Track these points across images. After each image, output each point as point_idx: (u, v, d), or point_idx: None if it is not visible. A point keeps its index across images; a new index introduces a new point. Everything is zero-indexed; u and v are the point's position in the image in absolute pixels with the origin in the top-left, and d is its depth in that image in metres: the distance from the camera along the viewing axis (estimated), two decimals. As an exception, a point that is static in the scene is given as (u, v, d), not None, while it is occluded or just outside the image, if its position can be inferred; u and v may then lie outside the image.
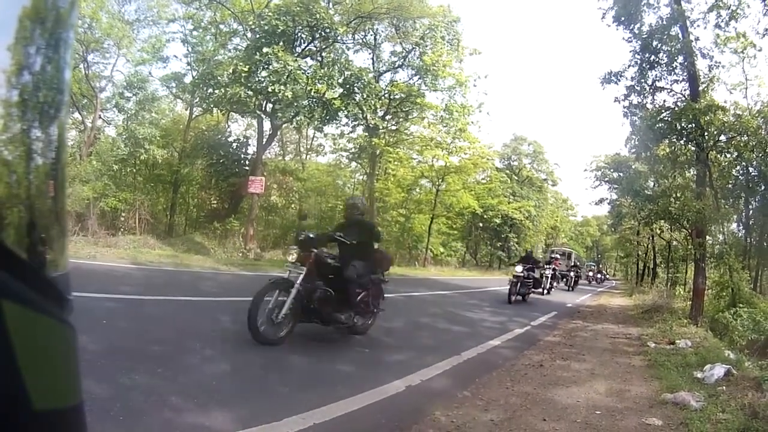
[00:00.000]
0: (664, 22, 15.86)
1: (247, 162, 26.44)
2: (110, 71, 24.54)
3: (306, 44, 22.70)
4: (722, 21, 15.50)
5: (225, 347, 5.85)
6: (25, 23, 0.65)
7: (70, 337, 0.73)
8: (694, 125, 15.24)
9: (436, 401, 5.11)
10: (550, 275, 21.66)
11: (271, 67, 19.62)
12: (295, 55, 21.22)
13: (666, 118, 16.04)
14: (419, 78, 27.84)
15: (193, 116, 28.13)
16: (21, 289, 0.59)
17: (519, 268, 16.59)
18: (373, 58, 28.92)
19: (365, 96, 23.12)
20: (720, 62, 16.76)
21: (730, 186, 19.82)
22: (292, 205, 32.04)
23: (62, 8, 0.74)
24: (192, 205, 29.19)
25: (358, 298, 7.28)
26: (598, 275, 49.22)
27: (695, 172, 17.22)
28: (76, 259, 11.48)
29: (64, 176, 0.81)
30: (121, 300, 7.74)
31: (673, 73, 16.53)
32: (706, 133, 15.34)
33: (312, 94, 20.69)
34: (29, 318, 0.61)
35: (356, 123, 27.52)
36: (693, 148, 16.12)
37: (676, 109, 15.94)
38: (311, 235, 7.07)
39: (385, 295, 8.12)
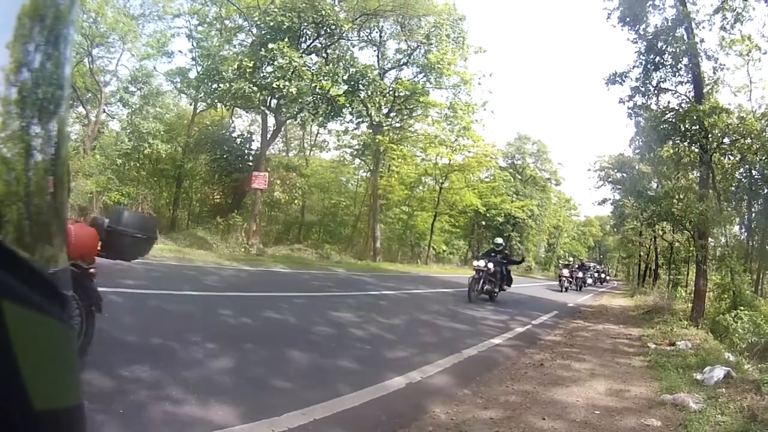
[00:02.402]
0: (670, 24, 15.80)
1: (250, 158, 26.47)
2: (115, 66, 24.68)
3: (311, 41, 22.73)
4: (727, 23, 15.44)
5: (227, 342, 5.86)
6: (24, 21, 0.65)
7: (71, 337, 0.73)
8: (698, 127, 15.20)
9: (436, 398, 5.12)
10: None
11: (276, 63, 19.66)
12: (300, 51, 21.26)
13: (670, 120, 16.00)
14: (424, 76, 27.90)
15: (198, 111, 28.21)
16: (21, 289, 0.59)
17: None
18: (378, 56, 29.00)
19: (370, 93, 23.17)
20: (725, 64, 16.69)
21: (732, 188, 19.76)
22: (295, 201, 32.09)
23: (62, 5, 0.74)
24: (195, 200, 29.29)
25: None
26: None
27: (698, 174, 17.17)
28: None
29: (63, 172, 0.81)
30: (123, 294, 7.76)
31: (677, 74, 16.46)
32: (709, 135, 15.30)
33: (316, 90, 20.74)
34: (29, 318, 0.61)
35: (360, 120, 27.58)
36: (696, 150, 16.07)
37: (681, 110, 15.89)
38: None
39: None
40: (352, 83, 22.61)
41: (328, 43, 23.16)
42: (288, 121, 25.29)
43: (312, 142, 37.90)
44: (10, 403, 0.57)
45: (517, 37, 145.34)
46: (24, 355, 0.58)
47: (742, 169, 19.03)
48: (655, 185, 25.69)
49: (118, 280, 9.05)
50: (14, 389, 0.57)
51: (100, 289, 7.36)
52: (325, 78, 20.88)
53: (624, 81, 17.18)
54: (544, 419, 4.82)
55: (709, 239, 16.07)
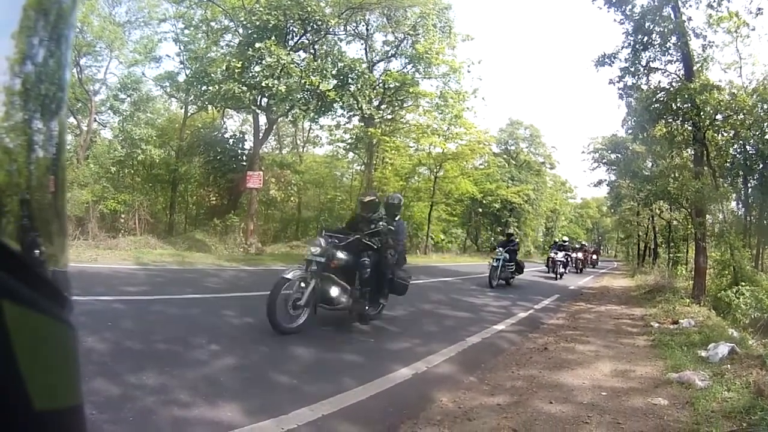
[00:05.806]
0: (656, 3, 15.77)
1: (244, 157, 26.36)
2: (103, 74, 24.50)
3: (298, 37, 22.61)
4: (714, 1, 15.43)
5: (232, 342, 5.86)
6: (29, 13, 0.66)
7: (71, 337, 0.72)
8: (689, 105, 15.21)
9: (442, 387, 5.13)
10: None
11: (264, 61, 19.57)
12: (288, 48, 21.15)
13: (661, 99, 16.00)
14: (413, 66, 27.82)
15: (189, 114, 28.09)
16: (21, 289, 0.59)
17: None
18: (365, 49, 28.86)
19: (359, 86, 23.07)
20: (713, 42, 16.65)
21: (727, 165, 19.71)
22: (291, 198, 32.05)
23: (64, 3, 0.75)
24: (191, 203, 29.19)
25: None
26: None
27: (693, 152, 17.18)
28: (78, 263, 11.47)
29: (64, 173, 0.81)
30: (126, 301, 7.76)
31: (666, 53, 16.44)
32: (702, 113, 15.29)
33: (306, 86, 20.65)
34: (29, 318, 0.60)
35: (352, 114, 27.46)
36: (689, 128, 16.07)
37: (671, 89, 15.89)
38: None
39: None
40: (342, 77, 22.53)
41: (315, 39, 23.05)
42: (279, 119, 25.22)
43: (304, 139, 37.78)
44: (10, 403, 0.57)
45: (504, 23, 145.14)
46: (24, 355, 0.57)
47: (736, 145, 18.99)
48: (649, 165, 25.73)
49: (121, 287, 9.06)
50: (14, 389, 0.57)
51: (102, 297, 7.38)
52: (314, 74, 20.79)
53: (613, 62, 17.18)
54: (551, 403, 4.83)
55: (707, 216, 16.08)
